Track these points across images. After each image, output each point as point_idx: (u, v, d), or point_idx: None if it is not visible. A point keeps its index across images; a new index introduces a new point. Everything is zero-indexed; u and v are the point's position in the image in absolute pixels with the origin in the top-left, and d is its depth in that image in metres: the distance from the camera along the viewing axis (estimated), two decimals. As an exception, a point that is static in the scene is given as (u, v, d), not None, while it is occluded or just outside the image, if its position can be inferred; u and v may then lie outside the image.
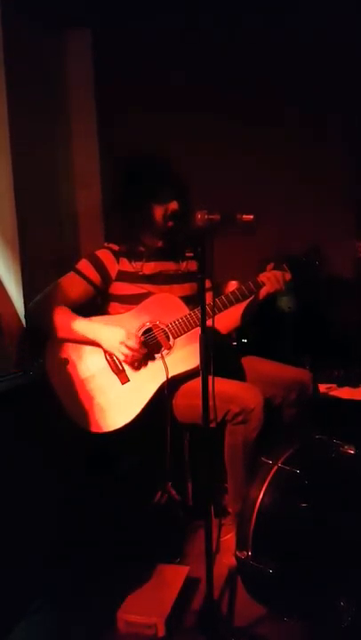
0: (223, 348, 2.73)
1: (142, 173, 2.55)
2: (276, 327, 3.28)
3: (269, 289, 2.43)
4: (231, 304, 2.41)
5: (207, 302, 2.06)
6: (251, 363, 2.66)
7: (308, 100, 3.43)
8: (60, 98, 3.33)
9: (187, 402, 2.41)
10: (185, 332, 2.41)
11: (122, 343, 2.34)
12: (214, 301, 2.34)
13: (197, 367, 1.88)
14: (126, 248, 2.55)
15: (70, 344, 2.43)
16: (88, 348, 2.42)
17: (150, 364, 2.42)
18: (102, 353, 2.41)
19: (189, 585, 2.16)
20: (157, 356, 2.42)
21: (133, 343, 2.35)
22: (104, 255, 2.53)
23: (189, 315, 2.41)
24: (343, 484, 1.96)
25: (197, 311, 2.37)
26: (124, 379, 2.40)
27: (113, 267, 2.52)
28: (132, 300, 2.48)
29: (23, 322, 2.63)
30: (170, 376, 2.37)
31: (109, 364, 2.41)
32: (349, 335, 3.25)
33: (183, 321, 2.41)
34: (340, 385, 3.05)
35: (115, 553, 2.35)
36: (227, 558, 2.28)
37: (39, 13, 2.92)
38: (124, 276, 2.52)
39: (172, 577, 2.17)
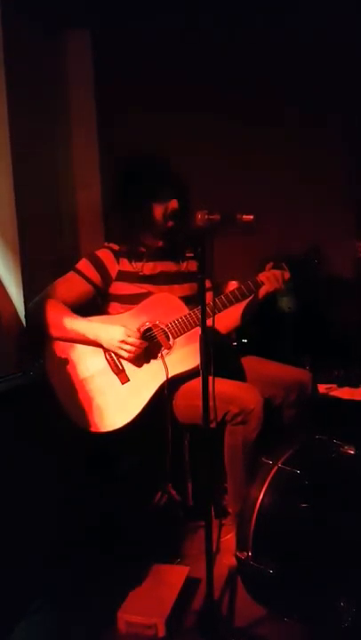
0: (223, 348, 2.73)
1: (142, 173, 2.55)
2: (276, 327, 3.28)
3: (269, 288, 2.43)
4: (231, 304, 2.41)
5: (207, 302, 2.06)
6: (251, 363, 2.66)
7: (308, 99, 3.43)
8: (59, 98, 3.33)
9: (187, 402, 2.41)
10: (185, 332, 2.41)
11: (122, 341, 2.34)
12: (214, 301, 2.34)
13: (197, 367, 1.89)
14: (126, 248, 2.55)
15: (70, 344, 2.43)
16: (88, 349, 2.41)
17: (150, 363, 2.42)
18: (102, 353, 2.41)
19: (190, 585, 2.16)
20: (157, 355, 2.42)
21: (134, 339, 2.35)
22: (104, 255, 2.53)
23: (189, 314, 2.41)
24: (343, 485, 1.96)
25: (197, 311, 2.37)
26: (123, 379, 2.40)
27: (113, 267, 2.52)
28: (132, 300, 2.48)
29: (23, 322, 2.63)
30: (170, 376, 2.37)
31: (109, 363, 2.41)
32: (349, 335, 3.25)
33: (183, 321, 2.41)
34: (341, 385, 3.05)
35: (115, 553, 2.36)
36: (227, 559, 2.28)
37: (39, 14, 2.92)
38: (124, 276, 2.52)
39: (172, 577, 2.17)
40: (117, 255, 2.54)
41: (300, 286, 2.93)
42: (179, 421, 2.47)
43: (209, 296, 2.39)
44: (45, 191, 3.12)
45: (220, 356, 1.96)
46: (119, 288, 2.52)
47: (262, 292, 2.44)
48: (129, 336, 2.34)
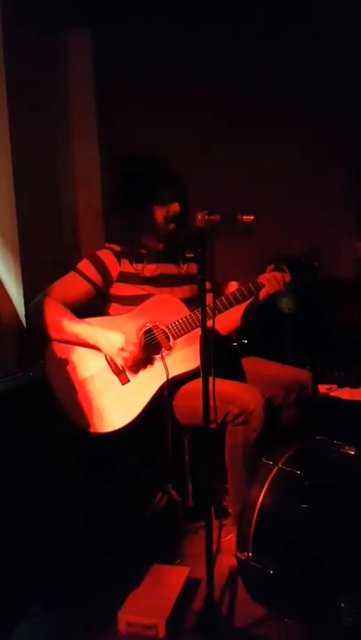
0: (223, 349, 2.73)
1: (143, 174, 2.54)
2: (277, 328, 3.28)
3: (269, 290, 2.43)
4: (231, 305, 2.41)
5: (207, 303, 2.06)
6: (251, 363, 2.66)
7: (308, 99, 3.43)
8: (60, 98, 3.33)
9: (187, 403, 2.41)
10: (185, 333, 2.41)
11: (121, 349, 2.34)
12: (214, 302, 2.33)
13: (197, 368, 1.89)
14: (128, 249, 2.55)
15: (71, 345, 2.42)
16: (88, 349, 2.41)
17: (150, 364, 2.42)
18: (103, 354, 2.41)
19: (190, 586, 2.16)
20: (157, 356, 2.42)
21: (133, 348, 2.35)
22: (105, 256, 2.53)
23: (189, 316, 2.41)
24: (344, 485, 1.96)
25: (197, 312, 2.37)
26: (124, 379, 2.40)
27: (114, 267, 2.52)
28: (133, 302, 2.48)
29: (23, 322, 2.63)
30: (170, 377, 2.37)
31: (110, 364, 2.40)
32: (350, 336, 3.25)
33: (183, 322, 2.41)
34: (341, 385, 3.05)
35: (115, 553, 2.36)
36: (227, 559, 2.28)
37: (39, 14, 2.92)
38: (125, 278, 2.52)
39: (172, 578, 2.17)
40: (119, 256, 2.53)
41: (301, 287, 2.93)
42: (179, 422, 2.47)
43: (209, 297, 2.39)
44: (45, 191, 3.12)
45: (220, 357, 1.95)
46: (120, 289, 2.52)
47: (263, 293, 2.44)
48: (128, 344, 2.34)
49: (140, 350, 2.36)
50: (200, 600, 2.10)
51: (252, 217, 1.96)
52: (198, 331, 1.91)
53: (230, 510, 2.51)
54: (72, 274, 2.50)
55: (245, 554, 1.96)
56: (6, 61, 2.60)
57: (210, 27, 3.46)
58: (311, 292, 3.25)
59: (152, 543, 2.42)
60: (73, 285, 2.48)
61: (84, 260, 2.53)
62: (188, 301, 2.51)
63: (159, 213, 2.50)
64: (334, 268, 3.22)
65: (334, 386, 3.05)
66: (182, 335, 2.41)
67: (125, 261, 2.54)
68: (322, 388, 2.94)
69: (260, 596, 2.01)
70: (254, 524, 1.95)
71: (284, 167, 3.49)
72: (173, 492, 2.50)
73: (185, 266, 2.64)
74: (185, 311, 2.44)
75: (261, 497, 1.97)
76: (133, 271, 2.54)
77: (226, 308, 2.41)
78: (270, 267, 2.48)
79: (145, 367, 2.42)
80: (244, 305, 2.51)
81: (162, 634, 1.95)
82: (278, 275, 2.44)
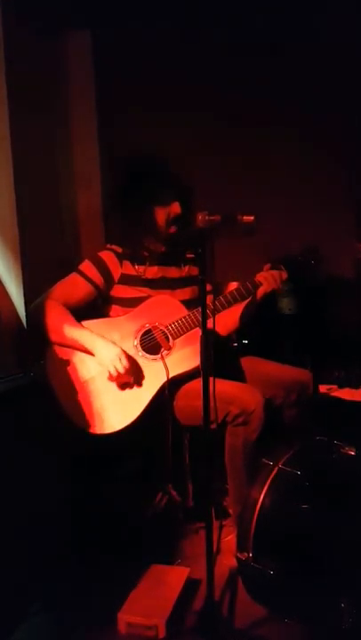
0: (223, 349, 2.73)
1: (143, 175, 2.54)
2: (277, 328, 3.28)
3: (266, 288, 2.43)
4: (230, 304, 2.42)
5: (207, 304, 2.06)
6: (251, 363, 2.66)
7: (308, 99, 3.42)
8: (60, 98, 3.32)
9: (187, 403, 2.41)
10: (184, 333, 2.41)
11: (112, 362, 2.34)
12: (214, 303, 2.33)
13: (197, 367, 1.89)
14: (129, 251, 2.55)
15: (71, 345, 2.43)
16: (88, 349, 2.41)
17: (150, 364, 2.42)
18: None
19: (190, 586, 2.16)
20: (157, 356, 2.42)
21: (125, 364, 2.34)
22: (107, 257, 2.53)
23: (188, 315, 2.41)
24: (344, 486, 1.96)
25: (196, 312, 2.37)
26: (124, 380, 2.40)
27: (116, 269, 2.51)
28: (134, 304, 2.48)
29: (24, 322, 2.63)
30: (170, 377, 2.37)
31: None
32: (350, 336, 3.25)
33: (182, 322, 2.41)
34: (341, 386, 3.05)
35: (115, 553, 2.36)
36: (227, 559, 2.28)
37: (39, 14, 2.91)
38: (126, 279, 2.52)
39: (172, 578, 2.18)
40: (121, 258, 2.53)
41: (300, 287, 2.93)
42: (179, 422, 2.47)
43: (209, 299, 2.39)
44: (46, 191, 3.11)
45: (220, 357, 1.95)
46: (121, 291, 2.51)
47: (260, 292, 2.44)
48: (120, 360, 2.33)
49: (128, 370, 2.35)
50: (200, 600, 2.10)
51: (252, 217, 1.96)
52: (198, 330, 1.91)
53: (230, 511, 2.51)
54: (74, 275, 2.50)
55: (246, 554, 1.96)
56: (6, 61, 2.60)
57: (210, 27, 3.46)
58: (311, 293, 3.25)
59: (152, 543, 2.42)
60: (74, 287, 2.48)
61: (86, 260, 2.53)
62: (189, 303, 2.51)
63: (160, 214, 2.50)
64: (334, 268, 3.21)
65: (335, 386, 3.05)
66: (181, 335, 2.42)
67: (127, 263, 2.53)
68: (322, 389, 2.93)
69: (261, 597, 2.01)
70: (254, 524, 1.95)
71: (284, 167, 3.49)
72: (174, 493, 2.51)
73: (186, 268, 2.64)
74: (184, 311, 2.44)
75: (262, 497, 1.97)
76: (135, 273, 2.54)
77: (225, 307, 2.41)
78: (267, 265, 2.48)
79: (145, 367, 2.41)
80: (243, 305, 2.51)
81: (162, 634, 1.95)
82: (275, 272, 2.44)
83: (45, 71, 3.14)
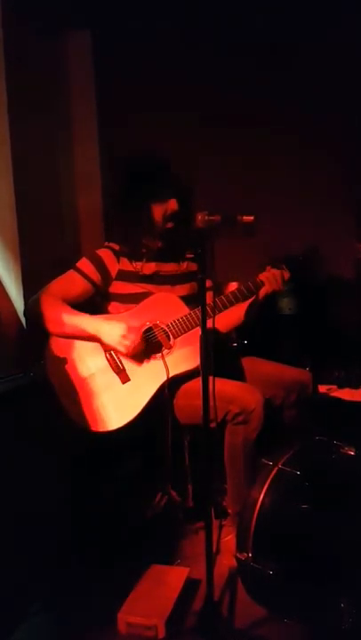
0: (223, 349, 2.73)
1: (140, 172, 2.55)
2: (277, 328, 3.28)
3: (268, 289, 2.44)
4: (231, 304, 2.42)
5: (207, 302, 2.06)
6: (251, 363, 2.66)
7: (308, 99, 3.43)
8: (60, 98, 3.33)
9: (187, 402, 2.41)
10: (185, 332, 2.41)
11: (123, 337, 2.33)
12: (214, 301, 2.33)
13: (198, 367, 1.89)
14: (127, 248, 2.55)
15: (70, 344, 2.42)
16: (88, 348, 2.41)
17: (151, 363, 2.42)
18: (102, 352, 2.41)
19: (190, 586, 2.16)
20: (158, 355, 2.42)
21: (134, 337, 2.35)
22: (105, 254, 2.53)
23: (189, 314, 2.41)
24: (343, 486, 1.96)
25: (198, 311, 2.37)
26: (124, 378, 2.40)
27: (113, 266, 2.52)
28: (133, 300, 2.48)
29: (23, 322, 2.63)
30: (170, 376, 2.37)
31: (110, 363, 2.40)
32: (350, 336, 3.25)
33: (183, 321, 2.41)
34: (341, 386, 3.05)
35: (115, 553, 2.36)
36: (227, 559, 2.28)
37: (39, 14, 2.91)
38: (124, 276, 2.52)
39: (172, 578, 2.17)
40: (118, 254, 2.54)
41: (300, 286, 2.93)
42: (179, 421, 2.47)
43: (209, 296, 2.39)
44: (46, 191, 3.11)
45: (220, 357, 1.95)
46: (120, 287, 2.52)
47: (262, 292, 2.44)
48: (130, 332, 2.34)
49: (140, 341, 2.36)
50: (200, 600, 2.09)
51: (252, 217, 1.96)
52: (198, 330, 1.91)
53: (230, 511, 2.51)
54: (71, 272, 2.51)
55: (245, 554, 1.95)
56: (6, 61, 2.60)
57: (210, 27, 3.46)
58: (311, 293, 3.25)
59: (152, 543, 2.42)
60: (72, 283, 2.49)
61: (84, 258, 2.53)
62: (188, 299, 2.52)
63: (157, 211, 2.50)
64: (334, 269, 3.22)
65: (334, 386, 3.05)
66: (182, 334, 2.42)
67: (125, 259, 2.54)
68: (322, 389, 2.93)
69: (260, 597, 2.01)
70: (254, 524, 1.95)
71: (284, 167, 3.49)
72: (173, 493, 2.51)
73: (185, 263, 2.64)
74: (185, 310, 2.44)
75: (261, 497, 1.96)
76: (132, 269, 2.54)
77: (226, 307, 2.41)
78: (269, 266, 2.48)
79: (146, 365, 2.42)
80: (245, 304, 2.51)
81: (162, 634, 1.95)
82: (277, 272, 2.44)
83: (45, 71, 3.14)
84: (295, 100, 3.44)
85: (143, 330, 2.43)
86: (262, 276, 2.44)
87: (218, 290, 2.62)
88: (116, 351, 2.39)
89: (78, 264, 2.52)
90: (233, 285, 2.53)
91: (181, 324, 2.41)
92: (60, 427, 2.37)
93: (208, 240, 1.91)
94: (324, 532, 1.87)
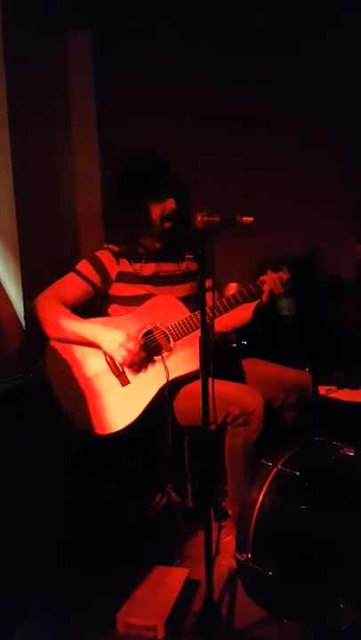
0: (223, 350, 2.73)
1: (138, 172, 2.55)
2: (277, 329, 3.28)
3: (270, 291, 2.43)
4: (232, 307, 2.41)
5: (208, 303, 2.05)
6: (251, 365, 2.66)
7: (308, 99, 3.42)
8: (60, 98, 3.33)
9: (187, 404, 2.41)
10: (185, 335, 2.41)
11: (121, 345, 2.33)
12: (214, 303, 2.33)
13: (198, 370, 1.88)
14: (126, 249, 2.55)
15: (70, 346, 2.43)
16: (88, 350, 2.41)
17: (151, 366, 2.42)
18: (102, 355, 2.41)
19: (189, 587, 2.17)
20: (158, 358, 2.42)
21: (133, 346, 2.34)
22: (104, 256, 2.53)
23: (190, 317, 2.41)
24: (343, 486, 1.96)
25: (198, 313, 2.37)
26: (124, 381, 2.40)
27: (113, 268, 2.52)
28: (133, 302, 2.48)
29: (23, 323, 2.63)
30: (170, 378, 2.37)
31: (109, 365, 2.40)
32: (350, 337, 3.25)
33: (184, 323, 2.41)
34: (340, 387, 3.05)
35: (115, 554, 2.36)
36: (226, 560, 2.29)
37: (39, 14, 2.91)
38: (124, 278, 2.52)
39: (171, 579, 2.18)
40: (117, 256, 2.53)
41: (300, 288, 2.93)
42: (179, 423, 2.47)
43: (210, 296, 2.38)
44: (46, 191, 3.11)
45: (220, 358, 1.95)
46: (119, 289, 2.52)
47: (265, 296, 2.42)
48: (128, 342, 2.34)
49: (139, 348, 2.36)
50: (199, 601, 2.10)
51: (251, 218, 1.96)
52: (199, 332, 1.90)
53: (230, 511, 2.51)
54: (71, 274, 2.51)
55: (245, 555, 1.96)
56: (6, 61, 2.60)
57: (210, 27, 3.46)
58: (311, 293, 3.25)
59: (152, 544, 2.42)
60: (72, 286, 2.48)
61: (83, 260, 2.53)
62: (188, 299, 2.52)
63: (155, 211, 2.50)
64: (334, 269, 3.22)
65: (334, 387, 3.05)
66: (183, 337, 2.41)
67: (124, 261, 2.54)
68: (322, 389, 2.93)
69: (260, 597, 2.01)
70: (254, 525, 1.95)
71: (284, 167, 3.49)
72: (173, 493, 2.51)
73: (184, 263, 2.64)
74: (185, 312, 2.43)
75: (261, 498, 1.97)
76: (132, 271, 2.54)
77: (226, 310, 2.41)
78: (269, 269, 2.48)
79: (145, 368, 2.42)
80: (251, 304, 2.50)
81: (161, 635, 1.95)
82: (275, 276, 2.43)
83: (45, 71, 3.14)
84: (295, 99, 3.44)
85: (143, 332, 2.43)
86: (263, 279, 2.43)
87: (218, 289, 2.62)
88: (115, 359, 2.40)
89: (78, 266, 2.52)
90: (233, 286, 2.54)
91: (182, 327, 2.41)
92: (60, 427, 2.37)
93: (208, 240, 1.91)
94: (324, 532, 1.87)
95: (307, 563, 1.86)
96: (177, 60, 3.50)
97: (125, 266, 2.54)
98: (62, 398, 2.38)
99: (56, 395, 2.39)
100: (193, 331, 2.39)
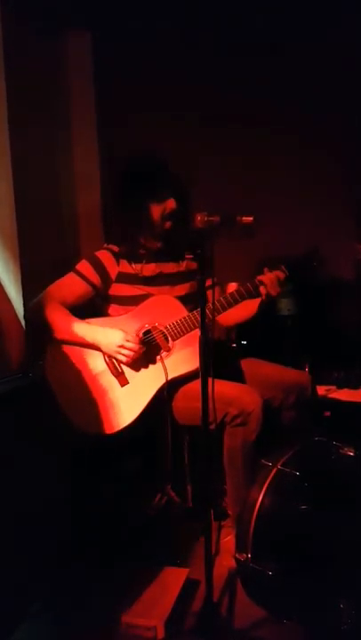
0: (222, 350, 2.73)
1: (138, 172, 2.55)
2: (276, 329, 3.28)
3: (269, 290, 2.43)
4: (230, 306, 2.41)
5: (208, 301, 2.05)
6: (250, 365, 2.66)
7: (308, 99, 3.42)
8: (60, 98, 3.33)
9: (186, 404, 2.41)
10: (184, 334, 2.41)
11: (121, 345, 2.34)
12: (214, 303, 2.33)
13: (197, 369, 1.89)
14: (126, 249, 2.55)
15: (70, 346, 2.43)
16: (88, 351, 2.41)
17: (150, 366, 2.42)
18: (102, 355, 2.41)
19: (189, 587, 2.17)
20: (157, 358, 2.42)
21: (132, 344, 2.35)
22: (104, 256, 2.53)
23: (188, 316, 2.41)
24: (343, 486, 1.96)
25: (196, 313, 2.38)
26: (123, 381, 2.40)
27: (113, 268, 2.52)
28: (133, 302, 2.48)
29: (23, 323, 2.63)
30: (169, 378, 2.37)
31: (108, 366, 2.40)
32: (349, 337, 3.25)
33: (182, 323, 2.41)
34: (340, 387, 3.05)
35: (114, 554, 2.36)
36: (226, 560, 2.29)
37: (39, 14, 2.91)
38: (124, 278, 2.52)
39: (171, 579, 2.18)
40: (117, 256, 2.53)
41: (300, 288, 2.93)
42: (178, 423, 2.47)
43: (210, 294, 2.38)
44: (45, 191, 3.11)
45: (219, 358, 1.95)
46: (119, 289, 2.52)
47: (264, 294, 2.42)
48: (128, 341, 2.34)
49: (138, 348, 2.37)
50: (199, 601, 2.10)
51: (251, 218, 1.96)
52: (197, 332, 1.91)
53: (229, 511, 2.51)
54: (71, 275, 2.51)
55: (244, 555, 1.96)
56: (6, 61, 2.60)
57: (210, 27, 3.46)
58: (311, 293, 3.25)
59: (152, 543, 2.42)
60: (71, 286, 2.48)
61: (83, 260, 2.53)
62: (188, 298, 2.51)
63: (155, 211, 2.50)
64: (334, 269, 3.21)
65: (333, 387, 3.05)
66: (181, 336, 2.41)
67: (124, 262, 2.54)
68: (321, 389, 2.93)
69: (259, 597, 2.01)
70: (253, 525, 1.95)
71: (284, 167, 3.49)
72: (173, 493, 2.51)
73: (184, 263, 2.64)
74: (184, 312, 2.43)
75: (261, 498, 1.97)
76: (132, 271, 2.54)
77: (225, 309, 2.41)
78: (266, 268, 2.48)
79: (145, 367, 2.42)
80: (255, 300, 2.50)
81: (161, 635, 1.95)
82: (272, 275, 2.43)
83: (45, 71, 3.14)
84: (295, 99, 3.44)
85: (142, 332, 2.43)
86: (261, 278, 2.43)
87: (218, 290, 2.61)
88: (116, 359, 2.40)
89: (78, 266, 2.52)
90: (233, 286, 2.53)
91: (180, 326, 2.41)
92: (60, 427, 2.37)
93: (208, 240, 1.91)
94: (324, 532, 1.87)
95: (307, 563, 1.86)
96: (177, 60, 3.49)
97: (125, 266, 2.54)
98: (62, 399, 2.38)
99: (56, 395, 2.39)
100: (191, 330, 2.39)
